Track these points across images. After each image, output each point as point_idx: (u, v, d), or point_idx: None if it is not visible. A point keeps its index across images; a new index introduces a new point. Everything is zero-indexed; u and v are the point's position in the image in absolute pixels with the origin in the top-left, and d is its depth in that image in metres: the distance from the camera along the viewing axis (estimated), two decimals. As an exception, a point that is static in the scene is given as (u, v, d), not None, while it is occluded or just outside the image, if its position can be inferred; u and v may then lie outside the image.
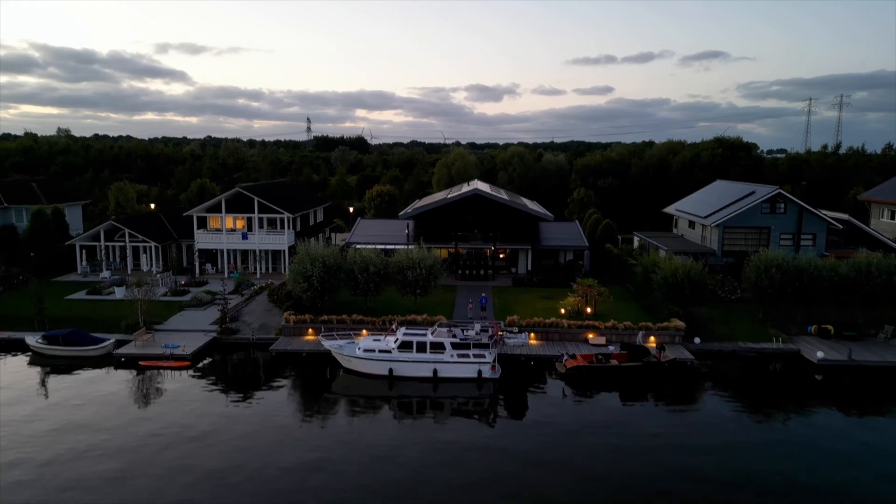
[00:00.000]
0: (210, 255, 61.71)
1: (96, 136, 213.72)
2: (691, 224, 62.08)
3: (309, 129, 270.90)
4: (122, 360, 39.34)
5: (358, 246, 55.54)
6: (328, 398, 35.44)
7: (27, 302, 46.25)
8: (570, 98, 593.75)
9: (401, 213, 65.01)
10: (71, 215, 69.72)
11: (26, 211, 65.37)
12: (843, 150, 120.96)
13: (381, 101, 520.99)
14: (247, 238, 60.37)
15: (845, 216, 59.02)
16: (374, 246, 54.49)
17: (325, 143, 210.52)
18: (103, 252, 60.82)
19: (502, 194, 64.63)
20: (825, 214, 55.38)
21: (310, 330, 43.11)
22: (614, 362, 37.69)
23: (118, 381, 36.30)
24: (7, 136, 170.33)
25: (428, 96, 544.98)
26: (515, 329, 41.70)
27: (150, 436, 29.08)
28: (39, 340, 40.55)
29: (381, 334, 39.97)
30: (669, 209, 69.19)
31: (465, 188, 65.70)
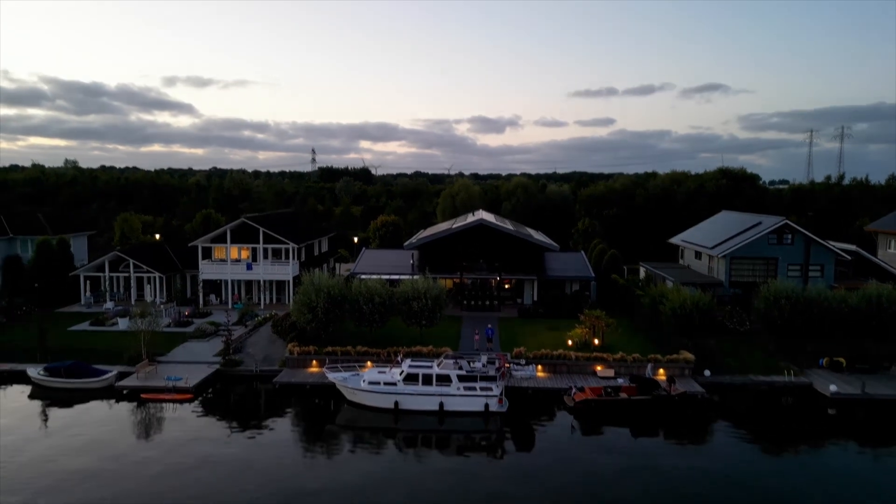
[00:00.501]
0: (214, 286, 61.48)
1: (103, 167, 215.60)
2: (698, 255, 61.74)
3: (314, 160, 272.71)
4: (124, 392, 38.82)
5: (363, 276, 55.30)
6: (332, 431, 34.80)
7: (30, 333, 45.91)
8: (572, 129, 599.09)
9: (406, 243, 64.90)
10: (76, 246, 69.73)
11: (31, 241, 65.36)
12: (846, 181, 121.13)
13: (385, 132, 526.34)
14: (251, 268, 60.20)
15: (853, 247, 58.62)
16: (378, 276, 54.25)
17: (329, 174, 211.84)
18: (107, 283, 60.66)
19: (507, 224, 64.55)
20: (833, 245, 55.02)
21: (314, 362, 42.60)
22: (624, 395, 37.04)
23: (119, 414, 35.75)
24: (15, 168, 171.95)
25: (431, 128, 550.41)
26: (523, 361, 41.13)
27: (148, 469, 28.44)
28: (41, 372, 40.11)
29: (386, 366, 39.46)
30: (675, 240, 68.94)
31: (470, 218, 65.68)
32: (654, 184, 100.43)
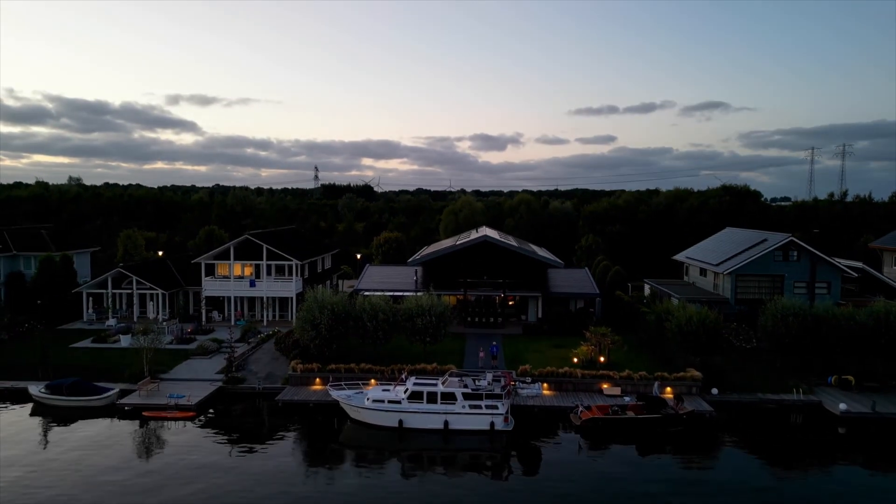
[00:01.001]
0: (216, 303, 61.26)
1: (107, 184, 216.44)
2: (703, 272, 61.49)
3: (316, 177, 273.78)
4: (126, 410, 38.45)
5: (366, 293, 55.04)
6: (335, 450, 34.37)
7: (32, 350, 45.61)
8: (574, 147, 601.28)
9: (410, 259, 64.76)
10: (79, 263, 69.65)
11: (35, 258, 65.36)
12: (849, 198, 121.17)
13: (387, 150, 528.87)
14: (254, 285, 60.03)
15: (860, 264, 58.40)
16: (382, 293, 53.94)
17: (331, 191, 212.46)
18: (110, 300, 60.48)
19: (511, 241, 64.41)
20: (840, 262, 54.78)
21: (317, 379, 42.24)
22: (630, 414, 36.61)
23: (121, 432, 35.35)
24: (19, 185, 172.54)
25: (433, 145, 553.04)
26: (528, 379, 40.73)
27: (150, 487, 28.05)
28: (42, 390, 39.78)
29: (391, 384, 39.07)
30: (679, 256, 68.73)
31: (474, 235, 65.57)
32: (657, 201, 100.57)
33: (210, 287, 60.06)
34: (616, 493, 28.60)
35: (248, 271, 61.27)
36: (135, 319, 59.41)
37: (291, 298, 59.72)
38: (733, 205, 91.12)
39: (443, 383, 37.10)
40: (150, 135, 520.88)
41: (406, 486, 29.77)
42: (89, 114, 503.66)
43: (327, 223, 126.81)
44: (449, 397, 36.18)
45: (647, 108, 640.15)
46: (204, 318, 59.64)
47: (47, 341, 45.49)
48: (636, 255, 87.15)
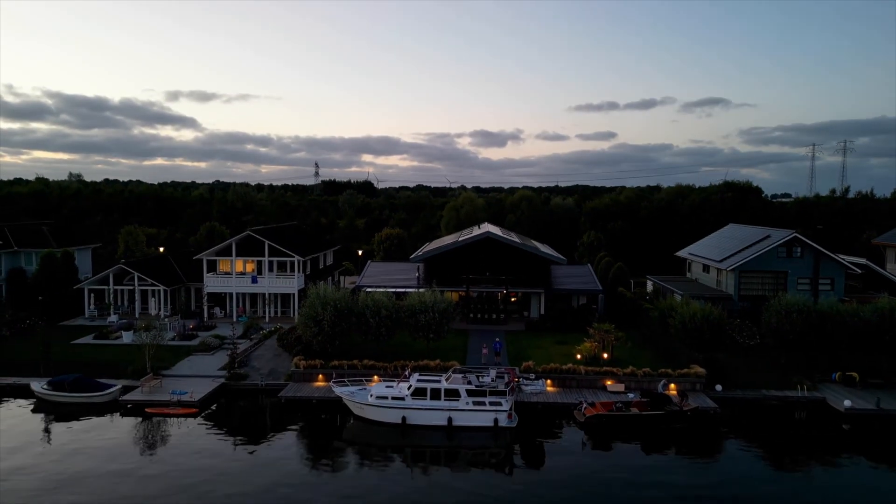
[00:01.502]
0: (218, 299, 61.15)
1: (107, 180, 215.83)
2: (705, 268, 61.36)
3: (317, 173, 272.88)
4: (129, 406, 38.36)
5: (368, 289, 54.95)
6: (339, 446, 34.25)
7: (33, 346, 45.48)
8: (574, 143, 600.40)
9: (412, 255, 64.62)
10: (80, 259, 69.57)
11: (36, 254, 65.22)
12: (851, 195, 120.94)
13: (387, 146, 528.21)
14: (256, 281, 59.90)
15: (863, 260, 58.27)
16: (384, 289, 53.89)
17: (332, 187, 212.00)
18: (112, 296, 60.37)
19: (513, 237, 64.26)
20: (843, 259, 54.63)
21: (320, 376, 42.14)
22: (635, 410, 36.51)
23: (123, 429, 35.27)
24: (19, 181, 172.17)
25: (433, 142, 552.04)
26: (532, 376, 40.63)
27: (152, 484, 27.96)
28: (45, 386, 39.68)
29: (394, 380, 38.96)
30: (682, 253, 68.59)
31: (476, 231, 65.42)
32: (659, 197, 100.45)
33: (212, 283, 59.93)
34: (620, 489, 28.50)
35: (249, 267, 61.13)
36: (136, 316, 59.35)
37: (293, 295, 59.60)
38: (735, 201, 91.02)
39: (446, 380, 36.98)
40: (149, 131, 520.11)
41: (409, 482, 29.67)
42: (89, 110, 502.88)
43: (328, 219, 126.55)
44: (452, 394, 36.07)
45: (647, 105, 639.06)
46: (206, 315, 59.52)
47: (49, 337, 45.38)
48: (638, 251, 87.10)
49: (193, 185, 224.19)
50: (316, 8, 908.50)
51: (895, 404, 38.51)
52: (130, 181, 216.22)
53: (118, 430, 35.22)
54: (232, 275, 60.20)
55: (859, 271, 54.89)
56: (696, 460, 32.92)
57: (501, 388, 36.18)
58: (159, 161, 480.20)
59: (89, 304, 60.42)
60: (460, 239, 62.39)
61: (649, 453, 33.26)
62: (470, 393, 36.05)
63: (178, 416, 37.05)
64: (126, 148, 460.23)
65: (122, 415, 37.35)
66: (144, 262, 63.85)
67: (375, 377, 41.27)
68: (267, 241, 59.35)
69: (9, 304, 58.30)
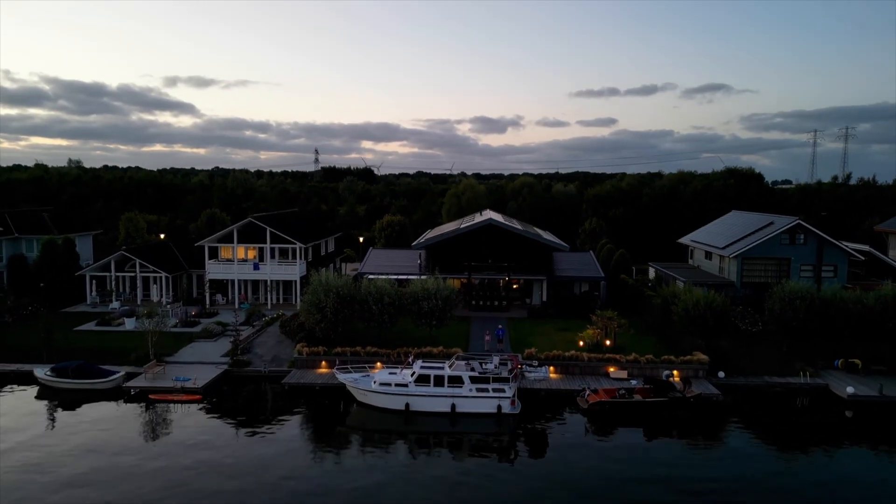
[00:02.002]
0: (220, 286, 61.08)
1: (106, 167, 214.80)
2: (708, 255, 61.24)
3: (317, 159, 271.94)
4: (133, 393, 38.39)
5: (370, 276, 54.89)
6: (342, 433, 34.33)
7: (36, 333, 45.42)
8: (574, 129, 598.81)
9: (414, 243, 64.48)
10: (81, 245, 69.39)
11: (37, 241, 65.03)
12: (852, 181, 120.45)
13: (387, 132, 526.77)
14: (258, 268, 59.79)
15: (866, 247, 58.13)
16: (386, 276, 53.82)
17: (332, 174, 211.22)
18: (113, 282, 60.29)
19: (515, 224, 64.07)
20: (847, 246, 54.50)
21: (323, 362, 42.15)
22: (638, 397, 36.55)
23: (127, 415, 35.33)
24: (18, 167, 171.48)
25: (433, 128, 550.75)
26: (535, 362, 40.64)
27: (157, 470, 28.03)
28: (48, 373, 39.69)
29: (397, 367, 38.99)
30: (684, 240, 68.44)
31: (478, 218, 65.22)
32: (661, 184, 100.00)
33: (214, 270, 59.82)
34: (623, 476, 28.57)
35: (251, 254, 61.02)
36: (138, 302, 59.31)
37: (295, 282, 59.52)
38: (737, 188, 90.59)
39: (450, 367, 37.00)
40: (148, 117, 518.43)
41: (413, 468, 29.76)
42: (86, 96, 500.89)
43: (328, 206, 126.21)
44: (456, 380, 36.09)
45: (648, 91, 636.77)
46: (208, 302, 59.49)
47: (51, 324, 45.33)
48: (640, 238, 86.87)
49: (193, 172, 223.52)
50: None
51: (898, 391, 38.54)
52: (129, 168, 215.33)
53: (122, 416, 35.26)
54: (234, 262, 60.08)
55: (862, 258, 54.78)
56: (698, 447, 33.01)
57: (505, 374, 36.20)
58: (158, 147, 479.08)
59: (91, 291, 60.35)
60: (462, 226, 62.21)
61: (652, 440, 33.35)
62: (473, 380, 36.07)
63: (181, 402, 37.09)
64: (124, 134, 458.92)
65: (126, 401, 37.39)
66: (146, 248, 63.69)
67: (378, 364, 41.28)
68: (268, 228, 59.17)
69: (10, 291, 58.22)
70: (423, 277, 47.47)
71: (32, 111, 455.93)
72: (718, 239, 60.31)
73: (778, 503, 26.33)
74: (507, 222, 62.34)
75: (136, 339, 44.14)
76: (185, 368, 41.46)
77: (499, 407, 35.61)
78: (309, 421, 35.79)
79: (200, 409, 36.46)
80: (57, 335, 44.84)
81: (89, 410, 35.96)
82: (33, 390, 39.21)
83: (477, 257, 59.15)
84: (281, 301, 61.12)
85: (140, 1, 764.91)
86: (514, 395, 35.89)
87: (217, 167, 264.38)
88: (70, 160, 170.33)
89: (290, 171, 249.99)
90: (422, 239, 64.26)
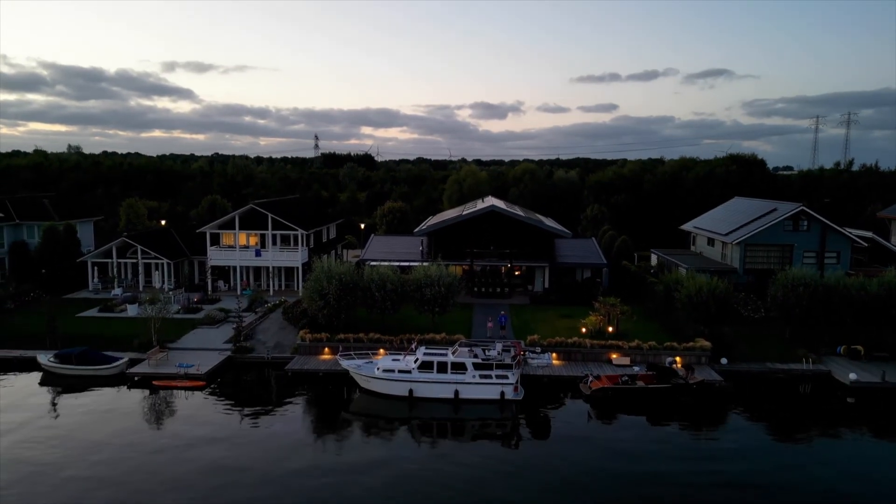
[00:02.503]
0: (222, 272, 61.03)
1: (105, 153, 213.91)
2: (710, 241, 61.11)
3: (317, 146, 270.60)
4: (136, 379, 38.46)
5: (372, 263, 54.83)
6: (345, 419, 34.47)
7: (39, 319, 45.48)
8: (575, 115, 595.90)
9: (416, 229, 64.32)
10: (83, 232, 69.23)
11: (38, 227, 64.87)
12: (855, 168, 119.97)
13: (387, 118, 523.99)
14: (260, 255, 59.71)
15: (869, 234, 57.99)
16: (388, 263, 53.75)
17: (332, 160, 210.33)
18: (115, 269, 60.25)
19: (517, 211, 63.88)
20: (850, 232, 54.34)
21: (326, 349, 42.19)
22: (640, 384, 36.61)
23: (131, 401, 35.42)
24: (17, 153, 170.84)
25: (433, 114, 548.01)
26: (538, 349, 40.66)
27: (161, 456, 28.15)
28: (52, 359, 39.74)
29: (400, 354, 39.03)
30: (687, 226, 68.28)
31: (480, 205, 65.02)
32: (663, 170, 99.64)
33: (215, 256, 59.74)
34: (625, 462, 28.66)
35: (253, 241, 60.90)
36: (140, 289, 59.29)
37: (297, 268, 59.46)
38: (740, 174, 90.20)
39: (453, 353, 37.03)
40: (146, 102, 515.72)
41: (416, 454, 29.88)
42: (85, 81, 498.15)
43: (329, 192, 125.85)
44: (459, 367, 36.14)
45: (649, 76, 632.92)
46: (210, 288, 59.48)
47: (54, 310, 45.34)
48: (642, 224, 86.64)
49: (193, 158, 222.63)
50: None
51: (900, 377, 38.58)
52: (129, 153, 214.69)
53: (126, 402, 35.33)
54: (235, 248, 59.98)
55: (865, 245, 54.68)
56: (701, 433, 33.11)
57: (508, 361, 36.24)
58: (157, 133, 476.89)
59: (93, 278, 60.31)
60: (464, 213, 62.02)
61: (654, 426, 33.45)
62: (476, 366, 36.10)
63: (185, 388, 37.17)
64: (123, 120, 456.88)
65: (130, 387, 37.48)
66: (147, 235, 63.58)
67: (381, 350, 41.32)
68: (270, 215, 59.01)
69: (12, 278, 58.19)
70: (425, 264, 47.38)
71: (31, 96, 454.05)
72: (721, 225, 60.15)
73: (780, 495, 26.37)
74: (509, 209, 62.15)
75: (139, 325, 44.15)
76: (189, 355, 41.49)
77: (502, 393, 35.68)
78: (312, 407, 35.92)
79: (204, 395, 36.54)
80: (59, 322, 44.82)
81: (93, 396, 36.04)
82: (37, 376, 39.29)
83: (479, 244, 59.02)
84: (283, 287, 61.10)
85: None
86: (517, 382, 35.95)
87: (217, 153, 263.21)
88: (69, 146, 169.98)
89: (289, 157, 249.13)
90: (424, 226, 64.10)
